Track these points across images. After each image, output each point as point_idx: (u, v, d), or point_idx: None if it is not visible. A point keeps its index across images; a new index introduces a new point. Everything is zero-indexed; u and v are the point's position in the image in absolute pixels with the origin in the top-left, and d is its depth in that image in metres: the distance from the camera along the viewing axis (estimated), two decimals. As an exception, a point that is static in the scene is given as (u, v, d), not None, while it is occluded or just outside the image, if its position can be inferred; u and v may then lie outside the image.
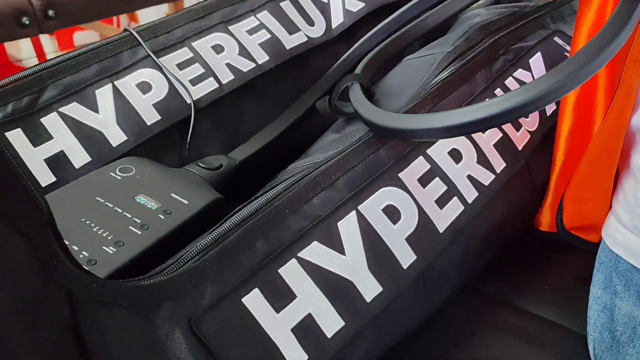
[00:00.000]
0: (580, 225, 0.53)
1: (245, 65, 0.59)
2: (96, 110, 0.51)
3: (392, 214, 0.42)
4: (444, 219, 0.45)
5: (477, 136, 0.49)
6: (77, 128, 0.50)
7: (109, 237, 0.39)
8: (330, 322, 0.38)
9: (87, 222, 0.40)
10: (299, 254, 0.38)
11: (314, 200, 0.40)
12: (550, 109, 0.56)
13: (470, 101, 0.50)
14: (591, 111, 0.49)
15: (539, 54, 0.57)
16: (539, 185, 0.54)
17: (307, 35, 0.64)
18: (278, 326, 0.36)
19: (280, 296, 0.37)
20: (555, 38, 0.60)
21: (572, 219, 0.53)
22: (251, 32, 0.61)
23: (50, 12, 0.93)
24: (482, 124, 0.38)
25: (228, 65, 0.58)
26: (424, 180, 0.45)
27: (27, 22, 0.91)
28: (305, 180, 0.41)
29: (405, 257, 0.42)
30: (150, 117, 0.53)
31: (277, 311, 0.36)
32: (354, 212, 0.41)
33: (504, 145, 0.50)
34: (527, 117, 0.53)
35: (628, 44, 0.42)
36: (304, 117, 0.61)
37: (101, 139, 0.50)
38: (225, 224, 0.38)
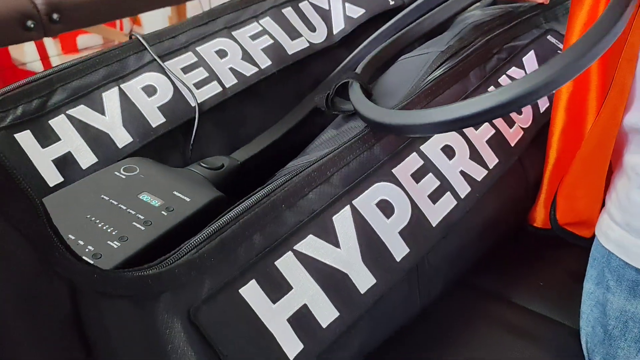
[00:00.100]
0: (573, 221, 0.53)
1: (248, 70, 0.60)
2: (103, 113, 0.52)
3: (386, 208, 0.43)
4: (436, 213, 0.45)
5: (469, 133, 0.49)
6: (84, 130, 0.51)
7: (114, 233, 0.40)
8: (325, 313, 0.39)
9: (93, 218, 0.41)
10: (295, 247, 0.39)
11: (310, 195, 0.41)
12: (543, 105, 0.56)
13: (463, 99, 0.50)
14: (584, 110, 0.49)
15: (532, 52, 0.57)
16: (533, 182, 0.54)
17: (308, 41, 0.65)
18: (274, 316, 0.37)
19: (277, 287, 0.37)
20: (549, 36, 0.60)
21: (565, 215, 0.53)
22: (254, 37, 0.62)
23: (55, 16, 0.94)
24: (478, 117, 0.38)
25: (231, 69, 0.59)
26: (417, 176, 0.45)
27: (32, 25, 0.92)
28: (301, 176, 0.42)
29: (399, 250, 0.43)
30: (155, 119, 0.54)
31: (274, 302, 0.37)
32: (348, 207, 0.42)
33: (497, 142, 0.51)
34: (520, 112, 0.54)
35: (621, 43, 0.43)
36: (305, 120, 0.62)
37: (107, 141, 0.52)
38: (223, 218, 0.38)
